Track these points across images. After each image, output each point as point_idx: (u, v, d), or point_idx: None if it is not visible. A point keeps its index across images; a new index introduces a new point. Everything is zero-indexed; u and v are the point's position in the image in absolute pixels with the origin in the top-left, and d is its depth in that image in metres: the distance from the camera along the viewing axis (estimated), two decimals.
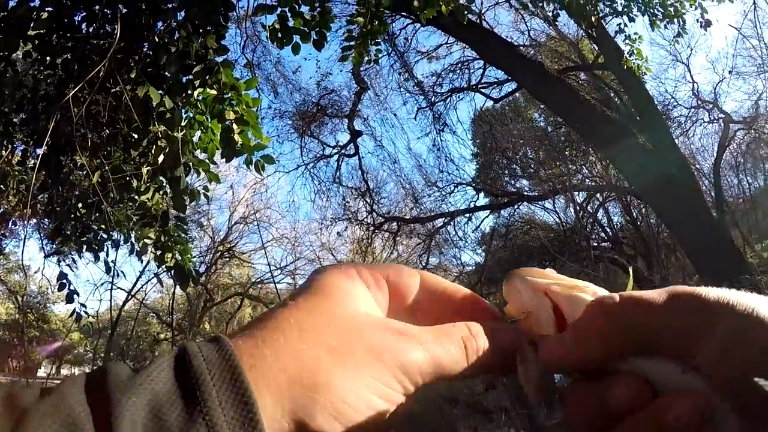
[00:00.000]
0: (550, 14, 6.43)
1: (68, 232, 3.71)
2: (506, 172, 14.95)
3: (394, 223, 12.21)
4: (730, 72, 13.72)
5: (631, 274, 0.53)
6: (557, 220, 14.84)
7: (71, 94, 2.85)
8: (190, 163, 3.01)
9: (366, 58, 3.70)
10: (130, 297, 14.98)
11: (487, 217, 13.92)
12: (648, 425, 0.36)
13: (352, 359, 0.34)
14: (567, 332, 0.41)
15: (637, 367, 0.38)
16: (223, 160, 3.00)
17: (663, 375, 0.37)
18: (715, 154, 12.22)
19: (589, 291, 0.42)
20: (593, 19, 5.72)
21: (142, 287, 14.72)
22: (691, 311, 0.37)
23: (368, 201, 11.96)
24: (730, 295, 0.37)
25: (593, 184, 13.62)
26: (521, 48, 8.90)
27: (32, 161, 3.59)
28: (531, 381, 0.42)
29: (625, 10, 5.58)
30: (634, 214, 13.99)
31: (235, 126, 2.85)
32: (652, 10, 5.47)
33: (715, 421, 0.35)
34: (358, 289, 0.41)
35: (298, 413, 0.31)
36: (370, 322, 0.38)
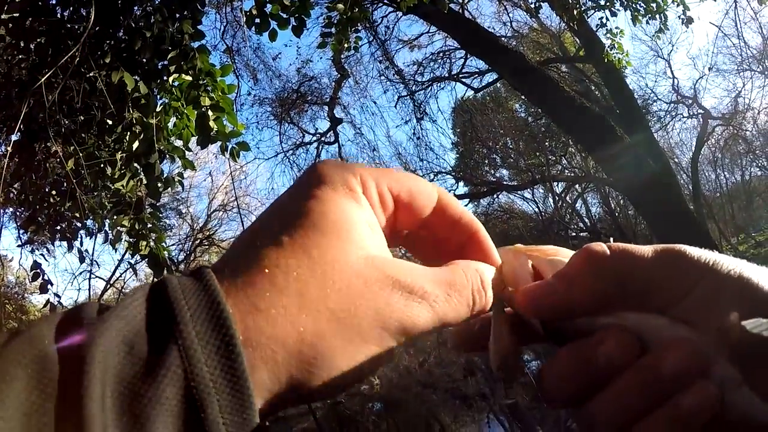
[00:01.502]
0: (533, 6, 6.45)
1: (41, 221, 3.64)
2: (486, 161, 15.02)
3: None
4: (710, 69, 13.97)
5: None
6: (536, 209, 15.00)
7: (44, 79, 2.78)
8: (165, 150, 2.96)
9: (346, 45, 3.67)
10: (108, 286, 14.81)
11: (466, 205, 13.86)
12: (642, 381, 0.34)
13: (357, 330, 0.31)
14: (551, 277, 0.39)
15: (624, 321, 0.37)
16: (199, 147, 2.97)
17: (652, 328, 0.36)
18: (693, 149, 12.44)
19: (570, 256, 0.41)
20: (575, 12, 5.74)
21: (120, 276, 14.56)
22: (678, 266, 0.37)
23: None
24: (714, 255, 0.37)
25: (572, 174, 13.76)
26: (503, 39, 8.91)
27: (4, 148, 3.51)
28: (498, 348, 0.40)
29: (608, 4, 5.62)
30: (612, 205, 14.19)
31: (210, 112, 2.81)
32: (634, 5, 5.51)
33: (714, 371, 0.34)
34: (364, 219, 0.35)
35: (293, 381, 0.29)
36: (379, 278, 0.33)
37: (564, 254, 0.42)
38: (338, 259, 0.32)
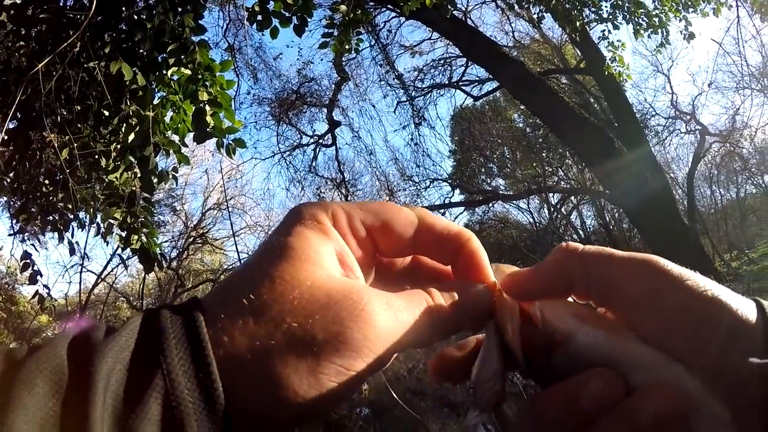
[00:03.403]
0: (536, 16, 6.46)
1: (33, 211, 3.60)
2: (483, 170, 15.04)
3: None
4: (709, 85, 14.04)
5: None
6: (531, 219, 15.03)
7: (40, 65, 2.76)
8: (161, 144, 2.93)
9: (347, 47, 3.65)
10: (99, 280, 14.73)
11: (461, 213, 13.97)
12: (622, 425, 0.34)
13: (311, 347, 0.32)
14: (534, 267, 0.43)
15: (619, 353, 0.36)
16: (195, 142, 2.94)
17: (644, 365, 0.35)
18: (689, 165, 12.50)
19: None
20: (578, 23, 5.76)
21: (112, 270, 14.49)
22: (648, 273, 0.38)
23: (343, 192, 11.90)
24: (688, 272, 0.37)
25: (568, 186, 13.79)
26: (505, 48, 8.94)
27: (0, 136, 3.47)
28: (485, 371, 0.40)
29: (610, 17, 5.65)
30: (607, 217, 14.22)
31: (207, 107, 2.79)
32: (636, 19, 5.54)
33: (700, 411, 0.33)
34: (330, 247, 0.37)
35: (248, 406, 0.32)
36: (336, 293, 0.34)
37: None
38: (299, 279, 0.34)
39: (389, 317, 0.35)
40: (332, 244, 0.38)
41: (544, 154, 14.09)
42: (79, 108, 3.12)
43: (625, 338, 0.37)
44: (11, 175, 3.54)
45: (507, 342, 0.40)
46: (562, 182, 14.21)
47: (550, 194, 12.85)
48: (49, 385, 0.28)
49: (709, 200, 16.85)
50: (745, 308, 0.35)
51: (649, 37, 5.68)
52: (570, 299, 0.42)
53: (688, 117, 13.68)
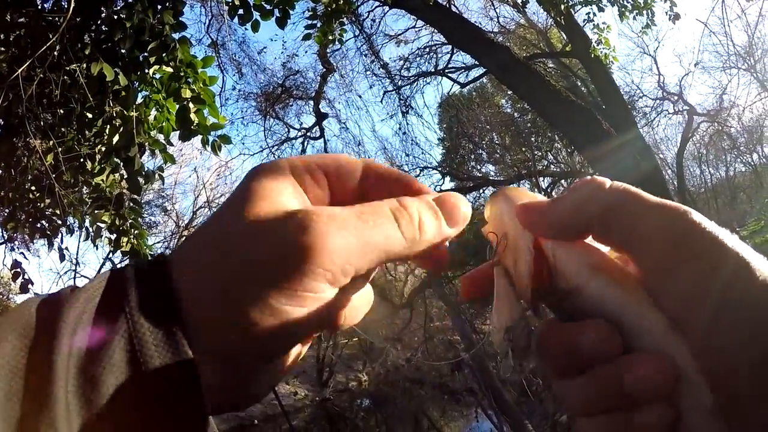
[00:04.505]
0: (520, 1, 6.43)
1: (21, 218, 3.57)
2: (472, 156, 15.04)
3: None
4: (695, 65, 14.07)
5: None
6: None
7: (20, 70, 2.71)
8: (146, 144, 2.91)
9: (331, 38, 3.62)
10: None
11: None
12: (605, 383, 0.34)
13: (260, 273, 0.31)
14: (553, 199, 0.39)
15: (626, 314, 0.34)
16: (180, 140, 2.92)
17: (643, 328, 0.34)
18: (678, 145, 12.56)
19: None
20: (563, 7, 5.74)
21: None
22: (679, 227, 0.34)
23: None
24: (720, 230, 0.34)
25: (558, 170, 13.82)
26: (490, 34, 8.90)
27: None
28: (500, 319, 0.38)
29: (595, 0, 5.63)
30: None
31: (191, 105, 2.76)
32: (621, 1, 5.53)
33: (686, 393, 0.32)
34: (283, 185, 0.35)
35: (208, 340, 0.31)
36: (284, 212, 0.33)
37: None
38: (252, 213, 0.33)
39: (335, 227, 0.32)
40: (289, 183, 0.36)
41: (533, 139, 14.11)
42: (62, 112, 3.08)
43: (635, 299, 0.35)
44: None
45: (514, 284, 0.38)
46: (552, 166, 14.24)
47: (541, 178, 12.88)
48: (19, 339, 0.28)
49: (698, 180, 16.97)
50: None
51: (634, 18, 5.67)
52: (588, 240, 0.39)
53: (676, 98, 13.72)
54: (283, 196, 0.35)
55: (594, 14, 5.70)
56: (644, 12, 5.48)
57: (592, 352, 0.34)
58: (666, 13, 5.65)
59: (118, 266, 0.34)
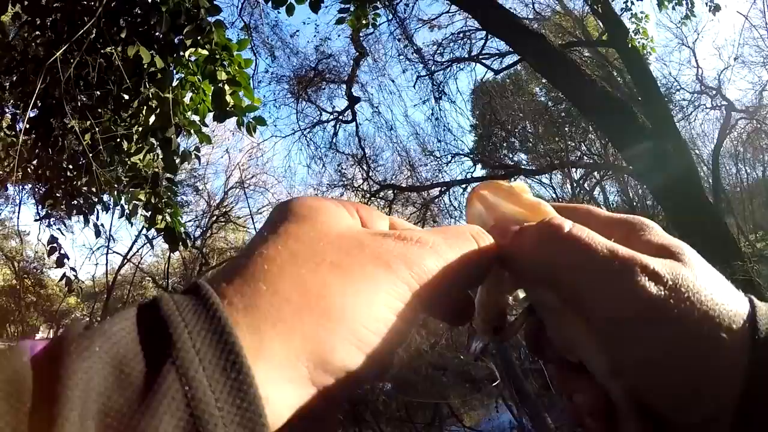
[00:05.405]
0: None
1: (58, 196, 3.67)
2: (504, 144, 14.88)
3: (390, 191, 12.12)
4: (735, 59, 13.58)
5: None
6: (553, 195, 14.87)
7: (58, 53, 2.78)
8: (182, 124, 2.96)
9: (364, 22, 3.61)
10: (125, 261, 15.05)
11: None
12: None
13: (361, 273, 0.29)
14: (513, 237, 0.37)
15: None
16: (215, 121, 2.96)
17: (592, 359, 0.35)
18: (715, 141, 12.19)
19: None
20: None
21: (137, 251, 14.77)
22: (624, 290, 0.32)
23: (364, 168, 11.86)
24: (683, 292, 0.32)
25: (591, 161, 13.58)
26: (525, 21, 8.74)
27: (21, 125, 3.53)
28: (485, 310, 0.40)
29: None
30: (630, 194, 14.01)
31: (226, 87, 2.80)
32: None
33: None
34: (343, 211, 0.34)
35: (316, 350, 0.26)
36: (368, 232, 0.32)
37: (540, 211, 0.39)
38: (323, 229, 0.31)
39: (429, 251, 0.32)
40: (343, 210, 0.34)
41: (566, 129, 13.87)
42: (98, 93, 3.15)
43: None
44: (35, 162, 3.60)
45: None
46: (585, 157, 14.00)
47: (573, 169, 12.68)
48: (2, 396, 0.20)
49: (734, 178, 16.46)
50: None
51: (673, 8, 5.52)
52: None
53: (714, 92, 13.27)
54: (346, 217, 0.34)
55: (632, 3, 5.56)
56: (683, 2, 5.32)
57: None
58: (706, 4, 5.48)
59: (147, 300, 0.26)
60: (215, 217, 16.16)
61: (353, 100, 11.52)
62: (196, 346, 0.23)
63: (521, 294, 0.40)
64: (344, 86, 11.67)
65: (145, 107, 3.08)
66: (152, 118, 3.02)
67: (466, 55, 11.93)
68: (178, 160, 3.10)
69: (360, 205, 0.36)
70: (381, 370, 0.31)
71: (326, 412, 0.28)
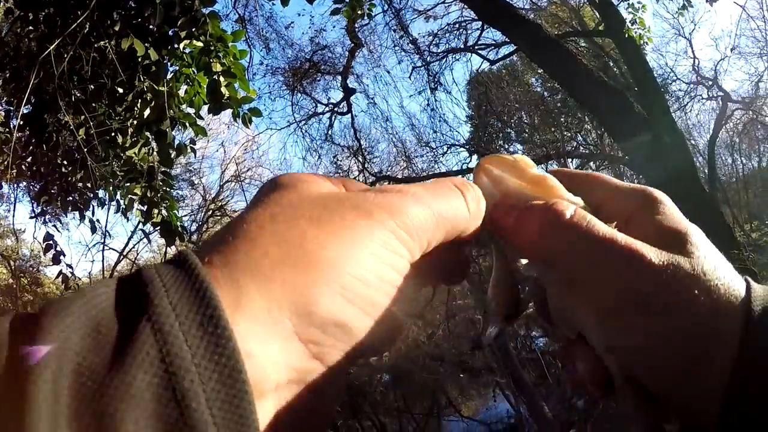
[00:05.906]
0: None
1: (53, 192, 3.65)
2: (500, 135, 14.85)
3: (386, 183, 12.11)
4: (732, 50, 13.57)
5: None
6: None
7: (51, 48, 2.75)
8: (177, 117, 2.94)
9: (359, 13, 3.58)
10: (122, 257, 14.99)
11: None
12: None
13: (341, 223, 0.28)
14: (516, 216, 0.38)
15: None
16: (210, 114, 2.95)
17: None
18: (711, 132, 12.21)
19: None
20: None
21: (133, 247, 14.72)
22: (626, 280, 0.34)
23: (360, 160, 11.85)
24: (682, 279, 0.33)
25: (587, 151, 13.59)
26: (521, 10, 8.71)
27: (15, 121, 3.50)
28: (497, 293, 0.41)
29: None
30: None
31: (221, 78, 2.78)
32: None
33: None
34: (327, 181, 0.33)
35: (298, 300, 0.25)
36: (349, 191, 0.32)
37: (550, 189, 0.40)
38: (304, 192, 0.30)
39: (411, 199, 0.31)
40: (327, 180, 0.33)
41: (562, 119, 13.87)
42: (92, 87, 3.12)
43: None
44: (29, 159, 3.58)
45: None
46: (581, 147, 13.99)
47: (569, 159, 12.69)
48: None
49: (730, 169, 16.47)
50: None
51: None
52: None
53: (710, 83, 13.27)
54: (327, 184, 0.33)
55: None
56: None
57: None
58: None
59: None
60: (211, 211, 16.10)
61: (348, 92, 11.47)
62: (173, 303, 0.23)
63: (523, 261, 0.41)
64: (339, 78, 11.63)
65: (139, 100, 3.06)
66: (147, 112, 3.00)
67: (462, 46, 11.90)
68: (173, 154, 3.08)
69: (346, 179, 0.35)
70: (387, 333, 0.31)
71: (324, 381, 0.27)
